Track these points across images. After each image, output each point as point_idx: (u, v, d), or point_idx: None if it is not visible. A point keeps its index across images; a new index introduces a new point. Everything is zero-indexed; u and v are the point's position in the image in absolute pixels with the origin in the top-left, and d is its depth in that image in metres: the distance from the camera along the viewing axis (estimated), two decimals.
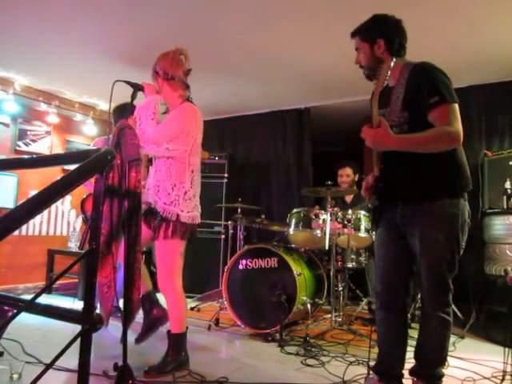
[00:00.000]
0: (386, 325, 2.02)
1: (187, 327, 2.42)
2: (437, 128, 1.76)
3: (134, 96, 2.29)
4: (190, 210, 2.38)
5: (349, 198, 4.51)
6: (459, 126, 1.77)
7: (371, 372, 2.10)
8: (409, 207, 1.88)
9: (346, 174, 4.44)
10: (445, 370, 1.97)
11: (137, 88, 2.33)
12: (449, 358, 2.59)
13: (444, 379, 1.88)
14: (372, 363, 2.12)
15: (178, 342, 2.37)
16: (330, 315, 3.42)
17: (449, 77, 1.84)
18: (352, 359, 2.60)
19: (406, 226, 1.90)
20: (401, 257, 1.95)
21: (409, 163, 1.84)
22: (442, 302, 1.84)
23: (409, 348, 2.02)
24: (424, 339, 1.90)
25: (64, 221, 5.29)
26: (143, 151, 2.35)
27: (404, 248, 1.93)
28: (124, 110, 3.43)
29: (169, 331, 2.39)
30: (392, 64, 1.81)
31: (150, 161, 2.54)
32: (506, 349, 2.18)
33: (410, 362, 1.96)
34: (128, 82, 2.29)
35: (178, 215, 2.32)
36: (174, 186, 2.35)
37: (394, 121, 1.90)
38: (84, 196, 4.02)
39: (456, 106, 1.79)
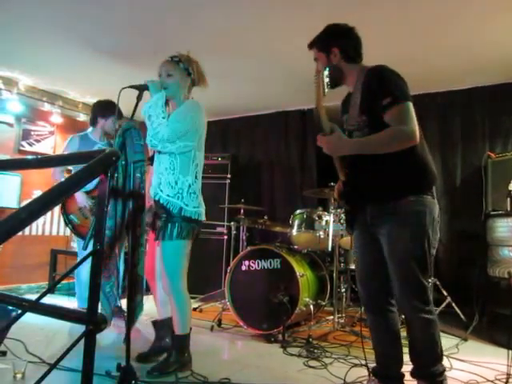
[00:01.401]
0: (375, 327, 2.04)
1: (191, 328, 2.42)
2: (389, 129, 1.78)
3: (139, 97, 2.29)
4: (196, 206, 2.36)
5: None
6: (413, 124, 1.77)
7: (371, 374, 2.10)
8: (376, 208, 1.89)
9: None
10: (448, 373, 1.96)
11: (142, 89, 2.33)
12: (452, 361, 2.60)
13: (447, 381, 1.87)
14: (373, 365, 2.11)
15: (181, 342, 2.36)
16: (332, 316, 3.42)
17: (403, 78, 1.86)
18: (354, 361, 2.60)
19: (376, 228, 1.91)
20: (377, 259, 1.94)
21: (370, 164, 1.85)
22: (420, 302, 1.81)
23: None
24: (413, 343, 1.88)
25: None
26: (157, 149, 2.36)
27: (379, 251, 1.91)
28: (105, 108, 3.50)
29: (173, 332, 2.39)
30: (326, 73, 1.88)
31: (150, 159, 2.52)
32: (510, 351, 2.17)
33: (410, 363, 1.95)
34: (132, 86, 2.29)
35: (181, 208, 2.30)
36: (177, 179, 2.33)
37: (354, 125, 1.94)
38: None
39: (409, 104, 1.80)
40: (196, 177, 2.40)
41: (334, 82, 2.01)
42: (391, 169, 1.83)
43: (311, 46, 2.10)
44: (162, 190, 2.33)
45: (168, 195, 2.31)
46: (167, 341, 2.54)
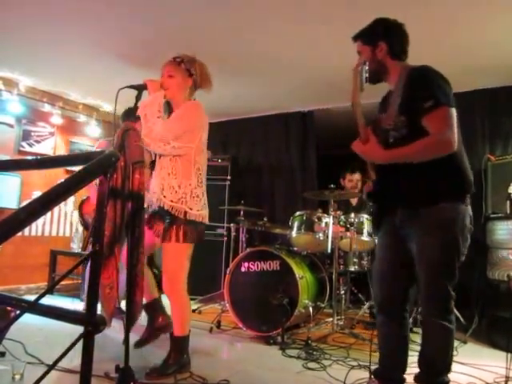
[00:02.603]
0: (386, 329, 2.01)
1: (190, 330, 2.41)
2: (424, 140, 1.75)
3: (138, 97, 2.29)
4: (200, 209, 2.35)
5: (354, 201, 4.52)
6: (451, 131, 1.73)
7: (372, 376, 2.09)
8: (407, 212, 1.87)
9: (356, 179, 4.45)
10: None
11: (141, 89, 2.33)
12: None
13: None
14: (374, 367, 2.11)
15: (180, 344, 2.36)
16: (331, 318, 3.42)
17: (448, 81, 1.82)
18: (354, 363, 2.60)
19: (405, 231, 1.89)
20: (400, 262, 1.92)
21: (405, 168, 1.82)
22: (442, 309, 1.80)
23: (412, 353, 2.01)
24: (426, 347, 1.87)
25: (67, 221, 5.30)
26: (150, 148, 2.34)
27: (404, 253, 1.90)
28: (132, 113, 3.50)
29: (172, 333, 2.38)
30: (366, 68, 1.86)
31: (151, 163, 2.51)
32: (509, 354, 2.17)
33: (413, 366, 1.94)
34: (131, 86, 2.28)
35: (185, 213, 2.29)
36: (180, 184, 2.32)
37: (390, 124, 1.90)
38: (83, 198, 4.00)
39: (451, 110, 1.75)
40: (198, 180, 2.38)
41: (377, 78, 1.98)
42: (426, 174, 1.79)
43: (356, 38, 2.04)
44: (165, 196, 2.32)
45: (171, 201, 2.30)
46: (160, 321, 2.51)
